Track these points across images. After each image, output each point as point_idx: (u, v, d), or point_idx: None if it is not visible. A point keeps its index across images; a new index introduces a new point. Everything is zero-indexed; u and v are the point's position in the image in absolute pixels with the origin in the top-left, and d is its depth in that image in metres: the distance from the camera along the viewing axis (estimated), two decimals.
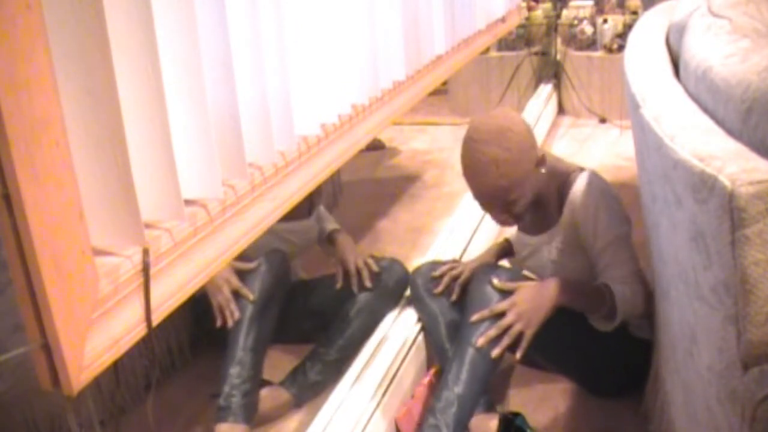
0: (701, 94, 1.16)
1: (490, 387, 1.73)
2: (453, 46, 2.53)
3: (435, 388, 1.69)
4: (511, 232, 1.93)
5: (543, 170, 1.63)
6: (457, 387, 1.54)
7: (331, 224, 2.12)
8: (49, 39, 0.82)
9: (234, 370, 1.65)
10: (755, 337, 0.91)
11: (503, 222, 1.67)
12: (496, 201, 1.59)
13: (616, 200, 1.65)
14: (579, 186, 1.64)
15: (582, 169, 1.69)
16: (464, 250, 2.27)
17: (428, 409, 1.55)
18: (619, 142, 3.65)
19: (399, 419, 1.65)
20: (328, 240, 2.09)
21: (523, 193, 1.58)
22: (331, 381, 1.76)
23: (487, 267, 1.72)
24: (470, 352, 1.57)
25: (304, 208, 2.01)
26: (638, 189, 1.59)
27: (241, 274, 1.77)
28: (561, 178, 1.68)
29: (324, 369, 1.82)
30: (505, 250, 1.94)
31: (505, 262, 1.92)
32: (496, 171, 1.53)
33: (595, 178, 1.66)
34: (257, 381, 1.70)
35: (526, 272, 1.78)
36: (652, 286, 1.60)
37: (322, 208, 2.16)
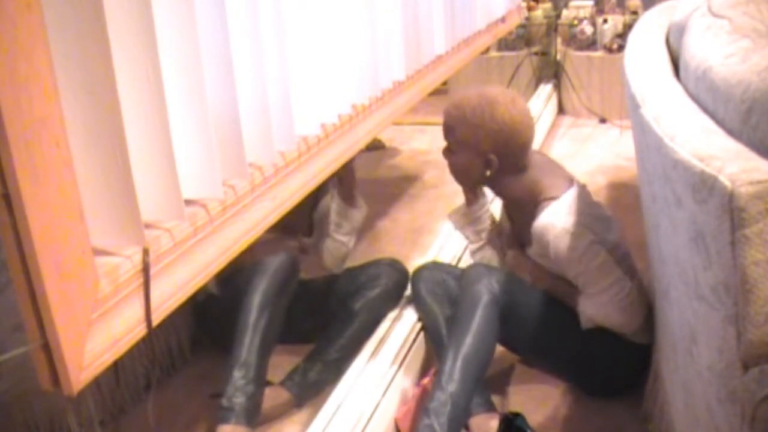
0: (701, 94, 1.16)
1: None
2: (453, 46, 2.53)
3: None
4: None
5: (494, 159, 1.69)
6: (449, 386, 1.54)
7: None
8: (49, 39, 0.82)
9: (238, 372, 1.64)
10: (755, 337, 0.91)
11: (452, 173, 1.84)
12: (446, 136, 1.81)
13: (580, 235, 1.60)
14: (542, 221, 1.64)
15: (556, 196, 1.65)
16: (464, 250, 2.27)
17: (423, 409, 1.56)
18: (619, 142, 3.64)
19: (399, 419, 1.66)
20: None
21: (463, 150, 1.74)
22: (331, 381, 1.76)
23: (479, 268, 1.74)
24: (462, 351, 1.58)
25: (307, 205, 1.98)
26: (638, 189, 1.59)
27: (248, 275, 1.76)
28: (535, 203, 1.68)
29: (324, 369, 1.82)
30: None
31: (493, 259, 1.91)
32: (459, 111, 1.73)
33: (557, 216, 1.62)
34: (261, 383, 1.69)
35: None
36: (652, 288, 1.60)
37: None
